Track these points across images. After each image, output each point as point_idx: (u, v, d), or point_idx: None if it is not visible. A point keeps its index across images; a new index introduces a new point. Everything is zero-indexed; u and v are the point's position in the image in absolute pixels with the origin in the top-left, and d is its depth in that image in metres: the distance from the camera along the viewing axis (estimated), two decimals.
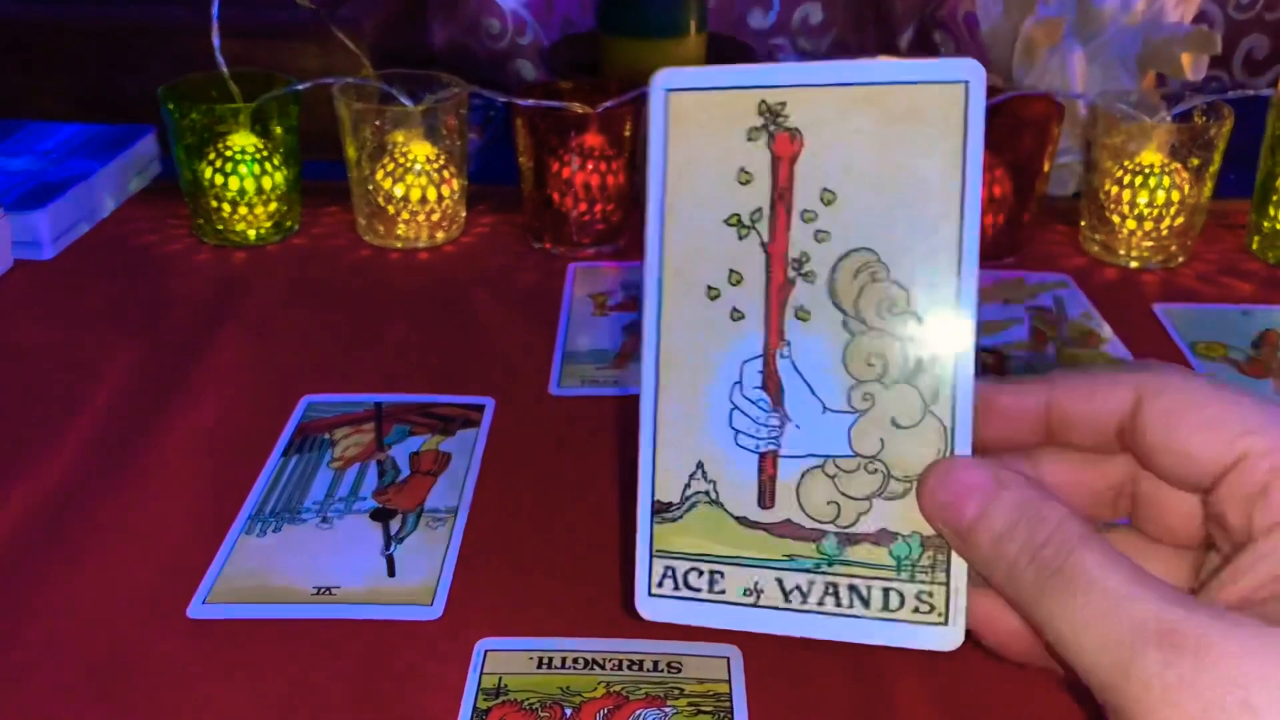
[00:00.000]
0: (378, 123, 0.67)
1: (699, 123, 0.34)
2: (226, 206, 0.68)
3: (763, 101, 0.33)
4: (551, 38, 1.06)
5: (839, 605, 0.33)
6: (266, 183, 0.68)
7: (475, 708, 0.37)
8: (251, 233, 0.69)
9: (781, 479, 0.33)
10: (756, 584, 0.33)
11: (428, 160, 0.68)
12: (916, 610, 0.32)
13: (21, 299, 0.63)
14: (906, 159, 0.32)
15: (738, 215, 0.33)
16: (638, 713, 0.37)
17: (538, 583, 0.43)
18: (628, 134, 0.67)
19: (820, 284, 0.33)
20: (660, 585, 0.34)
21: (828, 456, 0.33)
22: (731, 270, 0.34)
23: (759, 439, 0.33)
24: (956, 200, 0.32)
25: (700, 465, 0.34)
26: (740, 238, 0.33)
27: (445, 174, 0.69)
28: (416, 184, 0.68)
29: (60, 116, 0.81)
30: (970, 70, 0.32)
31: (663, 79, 0.34)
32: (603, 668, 0.38)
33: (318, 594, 0.42)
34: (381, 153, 0.68)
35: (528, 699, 0.37)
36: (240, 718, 0.37)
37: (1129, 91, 0.69)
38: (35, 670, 0.39)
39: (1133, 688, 0.25)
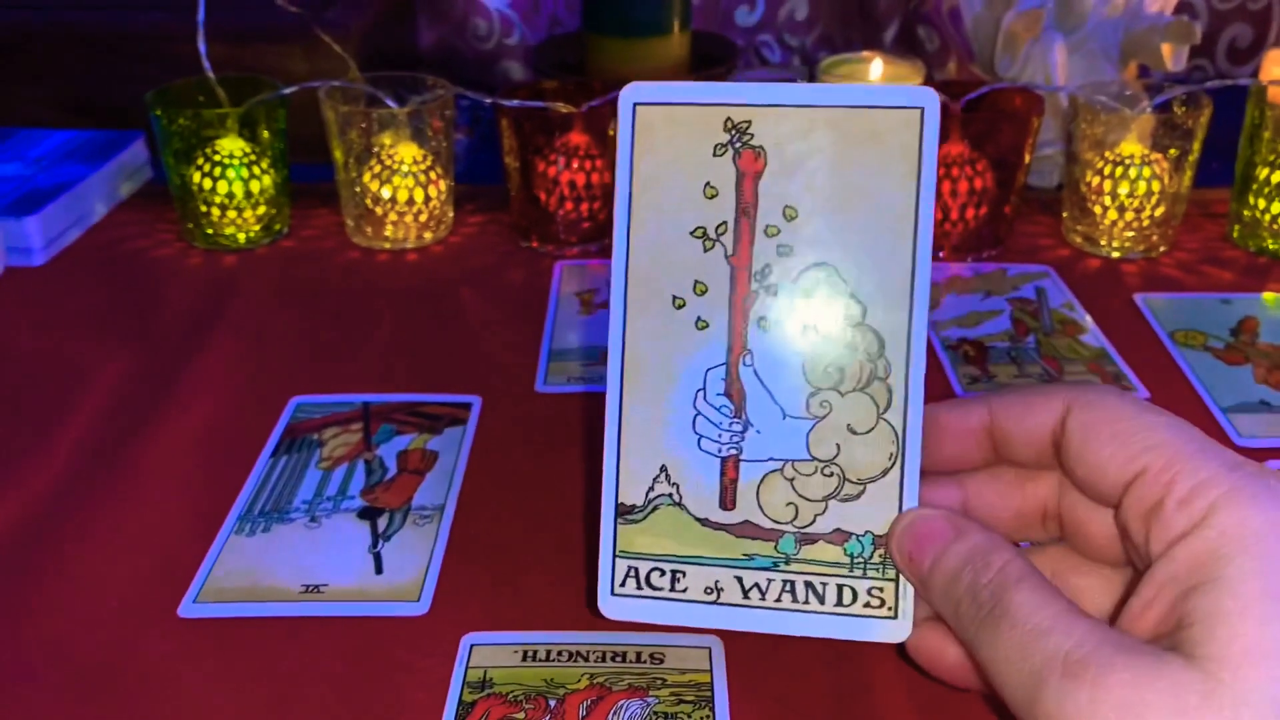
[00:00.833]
0: (364, 125, 0.67)
1: (666, 137, 0.34)
2: (215, 210, 0.68)
3: (729, 119, 0.34)
4: (538, 38, 1.07)
5: (795, 601, 0.34)
6: (255, 186, 0.69)
7: (461, 700, 0.37)
8: (241, 236, 0.70)
9: (742, 482, 0.34)
10: (717, 582, 0.35)
11: (415, 162, 0.68)
12: (868, 605, 0.34)
13: (13, 305, 0.64)
14: (865, 179, 0.33)
15: (703, 228, 0.34)
16: (620, 703, 0.37)
17: (523, 578, 0.43)
18: (612, 133, 0.68)
19: (782, 296, 0.34)
20: (623, 585, 0.35)
21: (787, 460, 0.34)
22: (697, 281, 0.34)
23: (721, 444, 0.35)
24: (911, 220, 0.33)
25: (664, 469, 0.35)
26: (705, 250, 0.34)
27: (432, 175, 0.69)
28: (404, 185, 0.68)
29: (50, 123, 0.81)
30: (925, 97, 0.33)
31: (630, 93, 0.35)
32: (586, 660, 0.39)
33: (307, 592, 0.43)
34: (369, 155, 0.68)
35: (512, 691, 0.38)
36: (231, 716, 0.38)
37: (1109, 82, 0.70)
38: (27, 670, 0.39)
39: (1038, 718, 0.27)
